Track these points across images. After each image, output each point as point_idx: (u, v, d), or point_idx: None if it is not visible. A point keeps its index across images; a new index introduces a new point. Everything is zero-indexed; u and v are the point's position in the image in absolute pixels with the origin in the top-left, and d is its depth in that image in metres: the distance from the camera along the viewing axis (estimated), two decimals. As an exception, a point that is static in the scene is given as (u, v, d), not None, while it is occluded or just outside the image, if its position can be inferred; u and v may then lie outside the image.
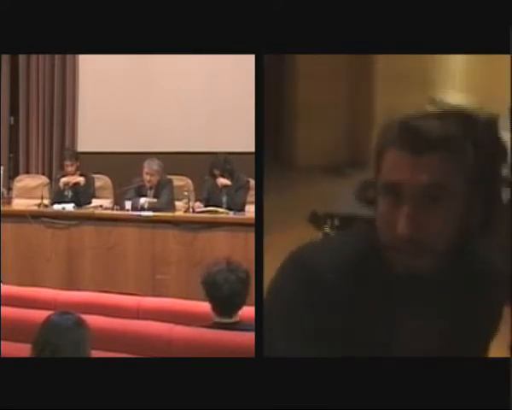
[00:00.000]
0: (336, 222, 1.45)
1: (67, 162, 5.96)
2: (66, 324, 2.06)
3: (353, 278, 1.35)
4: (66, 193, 5.88)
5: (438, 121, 1.32)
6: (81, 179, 5.90)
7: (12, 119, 7.29)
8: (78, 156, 6.06)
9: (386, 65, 5.90)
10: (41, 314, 2.31)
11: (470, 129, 1.32)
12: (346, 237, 1.45)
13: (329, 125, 6.46)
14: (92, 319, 2.43)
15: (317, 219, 1.40)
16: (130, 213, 5.42)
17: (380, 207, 1.34)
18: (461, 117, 1.34)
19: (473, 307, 1.42)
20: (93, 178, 6.05)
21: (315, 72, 6.28)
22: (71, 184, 5.87)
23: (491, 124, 1.36)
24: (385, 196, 1.32)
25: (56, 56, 7.11)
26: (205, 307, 2.93)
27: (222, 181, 5.56)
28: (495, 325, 1.48)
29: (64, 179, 5.89)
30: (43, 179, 6.50)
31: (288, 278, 1.37)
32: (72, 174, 5.92)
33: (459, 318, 1.41)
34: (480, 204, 1.33)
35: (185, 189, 5.88)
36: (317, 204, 1.47)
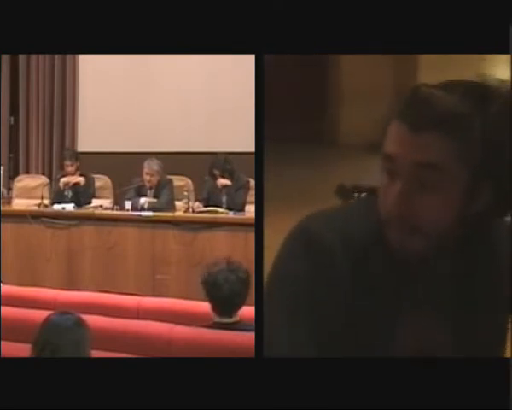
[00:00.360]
0: (363, 195, 1.41)
1: (67, 162, 5.97)
2: (66, 324, 2.06)
3: (357, 251, 1.30)
4: (66, 193, 5.88)
5: (449, 96, 1.23)
6: (81, 179, 5.91)
7: (12, 119, 7.29)
8: (78, 156, 6.07)
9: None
10: (41, 314, 2.31)
11: (485, 107, 1.23)
12: (357, 209, 1.39)
13: (372, 106, 6.56)
14: (92, 319, 2.43)
15: (344, 192, 1.37)
16: (130, 213, 5.42)
17: (381, 181, 1.30)
18: (479, 92, 1.25)
19: (476, 297, 1.34)
20: (93, 178, 6.05)
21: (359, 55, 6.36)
22: (71, 184, 5.87)
23: (507, 104, 1.25)
24: (382, 169, 1.27)
25: (56, 56, 7.11)
26: (205, 307, 2.93)
27: (222, 181, 5.57)
28: (503, 318, 1.40)
29: (64, 179, 5.89)
30: (43, 179, 6.51)
31: (294, 245, 1.33)
32: (72, 174, 5.92)
33: (459, 308, 1.34)
34: (487, 189, 1.25)
35: (185, 189, 5.88)
36: (352, 179, 1.44)
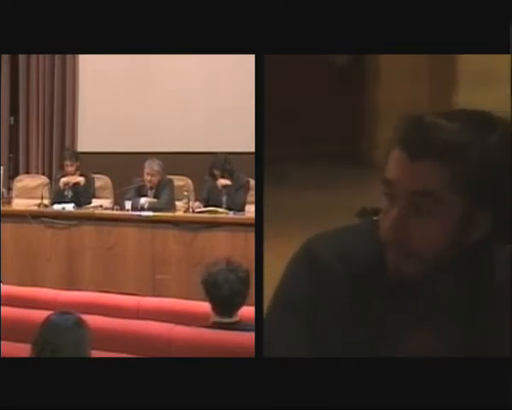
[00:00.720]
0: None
1: (67, 162, 5.97)
2: (66, 324, 2.06)
3: (355, 270, 1.35)
4: (66, 193, 5.88)
5: (450, 124, 1.26)
6: (81, 179, 5.90)
7: (12, 119, 7.29)
8: (78, 156, 6.06)
9: (467, 63, 5.85)
10: (41, 314, 2.31)
11: (485, 136, 1.26)
12: (360, 230, 1.42)
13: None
14: (92, 319, 2.43)
15: (365, 214, 1.42)
16: (130, 213, 5.42)
17: (381, 205, 1.34)
18: (480, 121, 1.28)
19: (475, 318, 1.35)
20: (93, 178, 6.04)
21: (396, 71, 6.31)
22: (71, 184, 5.87)
23: (508, 135, 1.28)
24: (383, 194, 1.32)
25: (56, 56, 7.11)
26: (205, 307, 2.92)
27: (222, 182, 5.56)
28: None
29: (64, 179, 5.89)
30: (43, 179, 6.51)
31: (296, 263, 1.40)
32: (72, 174, 5.92)
33: (456, 331, 1.35)
34: (485, 218, 1.28)
35: (185, 189, 5.88)
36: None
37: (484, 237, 1.30)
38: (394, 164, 1.29)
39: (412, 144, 1.27)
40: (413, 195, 1.27)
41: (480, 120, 1.29)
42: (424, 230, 1.28)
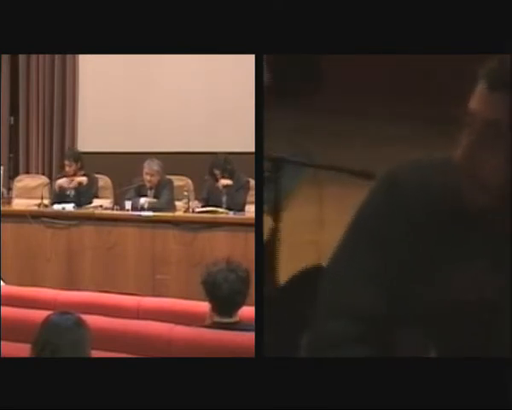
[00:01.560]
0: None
1: (66, 162, 5.97)
2: (66, 324, 2.06)
3: (434, 203, 1.41)
4: (68, 192, 5.88)
5: None
6: (83, 179, 5.89)
7: (12, 119, 7.29)
8: (80, 157, 6.04)
9: None
10: (41, 314, 2.31)
11: None
12: (443, 162, 1.47)
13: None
14: (92, 319, 2.43)
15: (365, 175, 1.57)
16: (130, 213, 5.42)
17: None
18: None
19: None
20: (96, 179, 6.04)
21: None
22: (73, 186, 5.86)
23: None
24: (464, 125, 1.37)
25: (56, 56, 7.11)
26: (205, 307, 2.92)
27: (223, 182, 5.57)
28: None
29: (59, 182, 5.89)
30: (43, 179, 6.51)
31: (377, 191, 1.48)
32: (72, 175, 5.92)
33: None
34: None
35: (185, 189, 5.88)
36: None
37: None
38: (476, 97, 1.35)
39: (492, 77, 1.33)
40: (486, 124, 1.33)
41: None
42: (494, 160, 1.33)
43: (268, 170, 2.76)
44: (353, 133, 6.03)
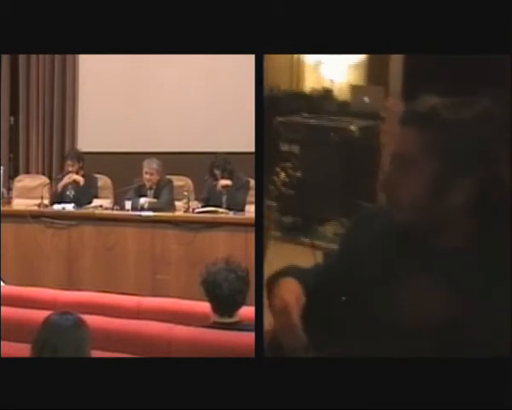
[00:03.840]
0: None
1: (69, 162, 5.97)
2: (65, 324, 2.06)
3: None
4: (68, 193, 5.88)
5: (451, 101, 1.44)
6: (80, 179, 5.89)
7: (12, 119, 7.28)
8: (81, 157, 6.03)
9: None
10: (41, 314, 2.31)
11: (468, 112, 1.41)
12: None
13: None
14: (92, 319, 2.43)
15: None
16: (130, 213, 5.42)
17: None
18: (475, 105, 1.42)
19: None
20: (96, 179, 6.04)
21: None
22: (69, 181, 5.86)
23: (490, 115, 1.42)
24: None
25: (56, 56, 7.11)
26: (205, 307, 2.92)
27: (223, 182, 5.56)
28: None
29: (61, 183, 5.89)
30: (43, 179, 6.51)
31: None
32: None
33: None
34: (465, 185, 1.41)
35: (185, 189, 5.88)
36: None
37: (466, 204, 1.43)
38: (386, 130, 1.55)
39: (405, 114, 1.48)
40: (395, 156, 1.49)
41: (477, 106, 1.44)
42: (403, 185, 1.47)
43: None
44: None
